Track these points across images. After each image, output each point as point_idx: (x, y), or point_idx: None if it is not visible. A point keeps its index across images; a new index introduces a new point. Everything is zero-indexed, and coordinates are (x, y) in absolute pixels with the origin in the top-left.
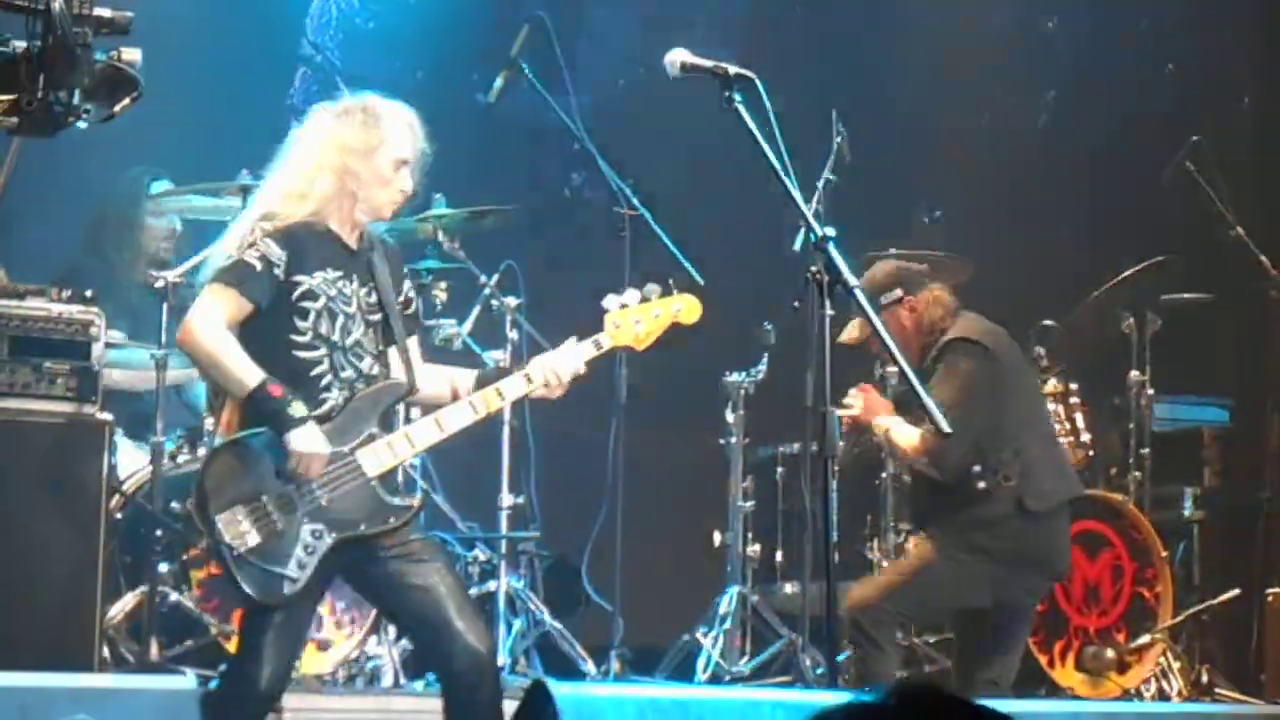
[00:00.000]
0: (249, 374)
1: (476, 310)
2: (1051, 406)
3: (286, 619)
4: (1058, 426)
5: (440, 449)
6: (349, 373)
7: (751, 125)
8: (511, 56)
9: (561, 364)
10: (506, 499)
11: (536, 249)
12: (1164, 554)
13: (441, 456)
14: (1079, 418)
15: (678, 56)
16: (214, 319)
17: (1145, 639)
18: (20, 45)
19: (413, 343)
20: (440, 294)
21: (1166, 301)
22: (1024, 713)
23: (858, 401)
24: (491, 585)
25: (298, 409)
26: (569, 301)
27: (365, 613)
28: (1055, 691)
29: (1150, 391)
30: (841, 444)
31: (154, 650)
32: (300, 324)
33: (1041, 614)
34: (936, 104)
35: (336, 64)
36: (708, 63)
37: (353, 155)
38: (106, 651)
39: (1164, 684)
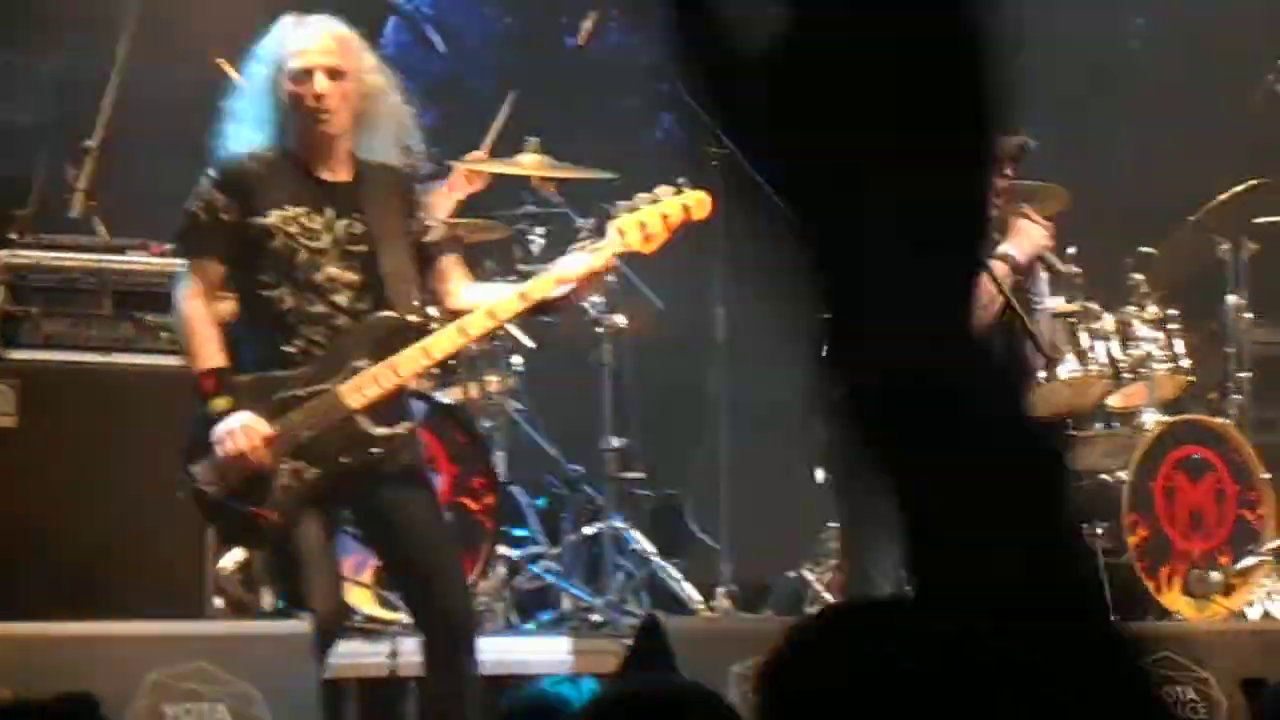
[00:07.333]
0: (199, 357)
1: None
2: (1151, 333)
3: (307, 550)
4: (1159, 353)
5: (542, 394)
6: (319, 308)
7: None
8: None
9: (555, 271)
10: (610, 441)
11: (629, 191)
12: (1266, 477)
13: (544, 401)
14: (1178, 343)
15: None
16: (184, 293)
17: (1250, 561)
18: None
19: (450, 261)
20: (537, 239)
21: (1262, 224)
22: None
23: None
24: (598, 526)
25: (218, 404)
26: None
27: (475, 555)
28: (1163, 616)
29: (1248, 315)
30: None
31: (266, 599)
32: (260, 264)
33: (1146, 540)
34: (1025, 30)
35: (427, 11)
36: None
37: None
38: (220, 602)
39: (1270, 605)
